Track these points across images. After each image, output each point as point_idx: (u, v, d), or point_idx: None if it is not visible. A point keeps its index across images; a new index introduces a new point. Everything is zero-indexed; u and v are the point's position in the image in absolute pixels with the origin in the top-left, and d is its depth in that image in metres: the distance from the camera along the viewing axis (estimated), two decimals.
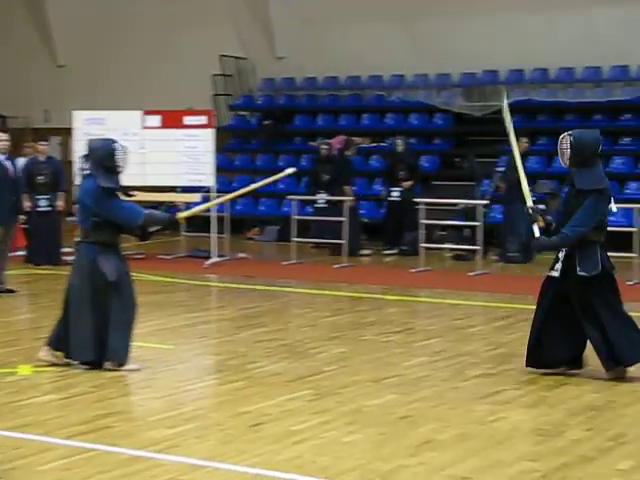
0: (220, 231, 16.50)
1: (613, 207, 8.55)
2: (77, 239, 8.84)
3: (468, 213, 17.49)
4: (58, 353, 8.77)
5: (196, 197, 16.01)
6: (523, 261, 16.43)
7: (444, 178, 20.13)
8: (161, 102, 19.35)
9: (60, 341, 8.73)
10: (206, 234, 16.30)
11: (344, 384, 8.24)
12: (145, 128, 15.96)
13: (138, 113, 16.16)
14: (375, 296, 13.23)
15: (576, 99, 19.71)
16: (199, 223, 16.08)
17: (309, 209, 18.91)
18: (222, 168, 20.25)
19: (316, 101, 23.10)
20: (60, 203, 15.88)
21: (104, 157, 8.56)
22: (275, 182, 11.17)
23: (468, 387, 8.23)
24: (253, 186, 10.46)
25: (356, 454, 6.39)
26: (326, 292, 13.54)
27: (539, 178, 18.86)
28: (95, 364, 8.62)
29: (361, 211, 19.12)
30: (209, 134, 16.01)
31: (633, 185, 18.40)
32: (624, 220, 16.91)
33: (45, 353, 8.82)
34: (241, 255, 16.89)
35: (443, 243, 17.43)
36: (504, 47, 20.36)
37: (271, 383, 8.29)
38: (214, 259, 16.00)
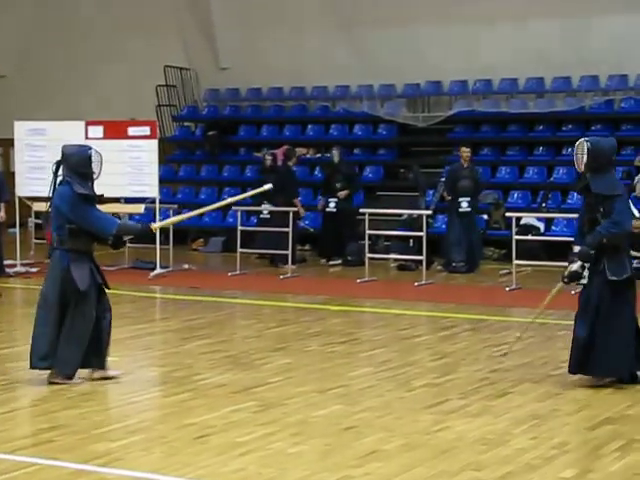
0: (164, 242, 16.41)
1: (636, 213, 8.68)
2: (51, 246, 8.74)
3: (413, 223, 17.58)
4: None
5: (140, 208, 15.89)
6: (467, 271, 16.54)
7: (388, 188, 20.21)
8: (104, 113, 19.23)
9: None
10: (150, 245, 16.19)
11: (289, 395, 8.22)
12: (88, 139, 15.83)
13: (81, 124, 16.03)
14: (320, 307, 13.22)
15: (519, 110, 19.91)
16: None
17: (254, 220, 18.89)
18: (166, 179, 20.18)
19: (261, 112, 23.10)
20: (2, 214, 15.71)
21: (79, 163, 8.49)
22: (253, 197, 11.21)
23: (413, 397, 8.24)
24: (229, 200, 10.50)
25: (302, 465, 6.37)
26: (271, 303, 13.51)
27: (484, 188, 19.03)
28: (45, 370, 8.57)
29: (306, 222, 19.13)
30: (153, 145, 15.91)
31: (575, 195, 18.53)
32: (567, 230, 17.14)
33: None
34: (186, 266, 16.81)
35: (388, 253, 17.47)
36: (448, 58, 20.51)
37: (216, 395, 8.25)
38: (158, 270, 15.90)
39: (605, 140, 8.92)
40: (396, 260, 17.31)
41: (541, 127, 19.98)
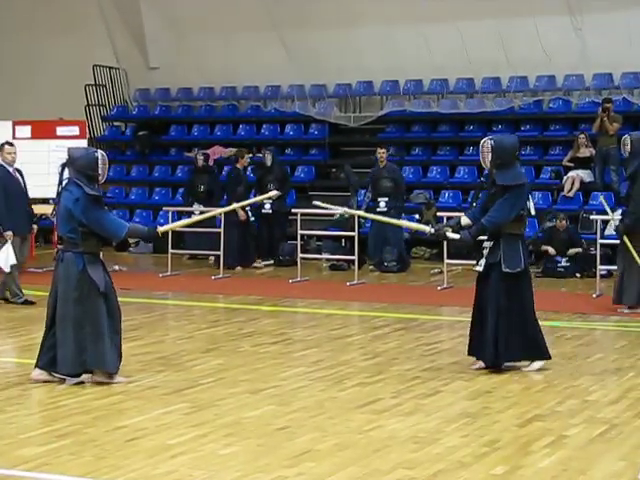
0: None
1: (532, 210, 9.10)
2: (59, 248, 8.64)
3: (344, 223, 17.61)
4: (55, 373, 8.56)
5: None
6: (399, 270, 16.62)
7: (320, 188, 20.22)
8: (32, 112, 18.96)
9: (47, 358, 8.53)
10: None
11: (221, 396, 8.17)
12: (15, 139, 15.60)
13: (8, 123, 15.80)
14: (252, 307, 13.18)
15: (449, 110, 20.05)
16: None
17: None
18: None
19: (192, 112, 22.98)
20: None
21: (86, 166, 8.47)
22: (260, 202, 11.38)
23: (345, 397, 8.24)
24: (235, 205, 10.58)
25: (234, 466, 6.33)
26: (203, 304, 13.44)
27: (414, 188, 19.16)
28: (79, 377, 8.52)
29: None
30: (82, 145, 15.71)
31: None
32: None
33: (38, 373, 8.60)
34: (116, 267, 16.61)
35: (320, 253, 17.48)
36: (379, 58, 20.59)
37: (147, 397, 8.17)
38: None
39: (508, 137, 9.53)
40: (328, 260, 17.34)
41: (472, 127, 20.14)
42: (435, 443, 6.86)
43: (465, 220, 9.18)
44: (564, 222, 16.44)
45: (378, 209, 16.78)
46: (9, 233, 12.68)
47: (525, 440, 6.98)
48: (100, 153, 8.62)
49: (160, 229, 9.04)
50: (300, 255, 15.99)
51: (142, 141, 22.27)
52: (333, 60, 20.91)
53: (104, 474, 6.17)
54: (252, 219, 17.10)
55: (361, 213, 13.60)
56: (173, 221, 17.13)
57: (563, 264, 16.16)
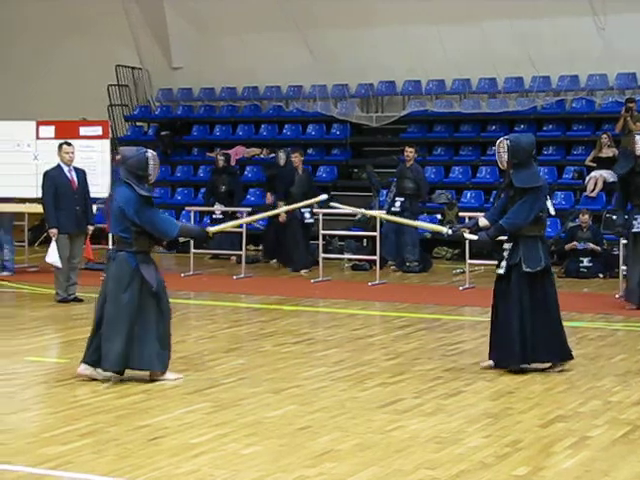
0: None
1: (551, 209, 9.11)
2: (112, 248, 8.68)
3: (366, 223, 17.60)
4: (99, 369, 8.63)
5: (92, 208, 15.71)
6: (421, 271, 16.59)
7: (342, 189, 20.21)
8: (56, 112, 19.03)
9: (96, 355, 8.61)
10: (103, 246, 16.07)
11: (243, 396, 8.19)
12: (39, 139, 15.69)
13: (32, 124, 15.86)
14: (274, 307, 13.19)
15: (472, 110, 20.01)
16: (96, 235, 15.79)
17: (207, 221, 18.81)
18: (118, 179, 19.99)
19: (214, 112, 23.01)
20: None
21: (137, 166, 8.57)
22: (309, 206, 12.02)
23: (367, 397, 8.24)
24: (285, 208, 10.68)
25: (256, 466, 6.34)
26: (225, 303, 13.46)
27: (436, 188, 19.15)
28: (122, 374, 8.60)
29: (259, 222, 19.05)
30: (105, 145, 15.78)
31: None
32: None
33: (83, 368, 8.67)
34: None
35: (342, 253, 17.48)
36: (401, 58, 20.56)
37: (169, 396, 8.19)
38: None
39: (524, 136, 9.37)
40: (350, 260, 17.33)
41: (494, 127, 20.09)
42: (457, 443, 6.85)
43: (483, 221, 9.17)
44: (587, 216, 16.39)
45: (393, 208, 16.70)
46: (53, 231, 13.00)
47: (547, 441, 6.95)
48: (150, 153, 8.70)
49: (210, 230, 9.10)
50: (322, 255, 15.99)
51: (164, 141, 22.33)
52: (355, 60, 20.91)
53: (126, 473, 6.19)
54: (310, 220, 16.92)
55: (379, 214, 13.49)
56: (195, 221, 17.22)
57: (586, 264, 16.10)
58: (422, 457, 6.55)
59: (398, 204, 16.75)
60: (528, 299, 8.88)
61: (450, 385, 8.61)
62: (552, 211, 9.34)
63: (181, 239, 8.95)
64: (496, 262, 9.24)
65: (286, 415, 7.62)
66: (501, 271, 9.00)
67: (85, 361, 8.70)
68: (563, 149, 19.55)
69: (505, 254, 9.02)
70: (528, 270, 8.83)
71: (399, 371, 9.17)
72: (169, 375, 8.73)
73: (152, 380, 8.65)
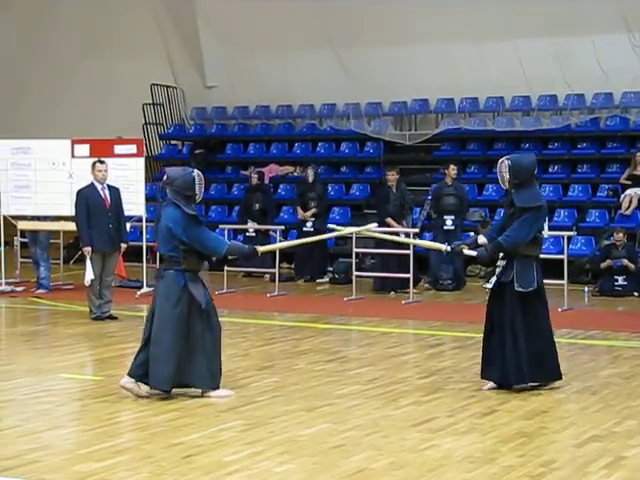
0: (152, 261, 16.36)
1: (545, 232, 9.12)
2: (161, 267, 8.83)
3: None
4: (143, 386, 8.71)
5: (126, 226, 15.82)
6: (454, 288, 16.54)
7: (375, 206, 20.15)
8: (91, 131, 19.21)
9: (141, 370, 8.70)
10: (137, 264, 16.15)
11: (277, 414, 8.19)
12: (74, 157, 15.81)
13: (67, 142, 15.99)
14: (307, 325, 13.20)
15: (505, 128, 19.98)
16: (130, 252, 15.89)
17: (240, 238, 18.86)
18: (153, 197, 20.14)
19: (248, 130, 23.12)
20: None
21: (184, 186, 8.67)
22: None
23: (400, 415, 8.22)
24: (342, 232, 10.76)
25: None
26: (259, 321, 13.48)
27: (470, 206, 19.10)
28: (169, 393, 8.69)
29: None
30: (139, 163, 15.88)
31: (562, 213, 18.64)
32: (554, 248, 17.19)
33: (126, 380, 8.75)
34: None
35: (375, 271, 17.46)
36: (435, 76, 20.58)
37: (203, 414, 8.21)
38: (145, 289, 15.85)
39: (525, 156, 9.59)
40: (375, 279, 17.28)
41: (527, 145, 20.03)
42: (491, 463, 6.82)
43: (482, 239, 9.21)
44: (621, 234, 16.31)
45: (445, 227, 16.69)
46: (87, 249, 13.10)
47: (582, 461, 6.90)
48: (196, 173, 8.80)
49: (260, 249, 9.18)
50: (355, 273, 15.99)
51: (198, 159, 22.43)
52: (388, 78, 20.94)
53: None
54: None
55: (371, 233, 13.00)
56: (229, 238, 17.25)
57: (620, 283, 16.00)
58: (456, 476, 6.53)
59: (449, 222, 16.71)
60: (520, 319, 8.91)
61: (484, 404, 8.58)
62: (545, 233, 9.38)
63: (230, 257, 9.03)
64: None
65: (319, 433, 7.61)
66: (489, 286, 9.10)
67: (130, 374, 8.76)
68: (597, 167, 19.46)
69: (497, 270, 9.10)
70: (520, 290, 8.87)
71: (432, 389, 9.14)
72: (221, 392, 8.78)
73: (203, 396, 8.70)
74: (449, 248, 9.42)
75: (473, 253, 9.18)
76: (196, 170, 8.89)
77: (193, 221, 8.63)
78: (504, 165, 9.01)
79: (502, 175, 9.03)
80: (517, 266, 8.89)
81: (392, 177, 16.66)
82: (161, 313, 8.63)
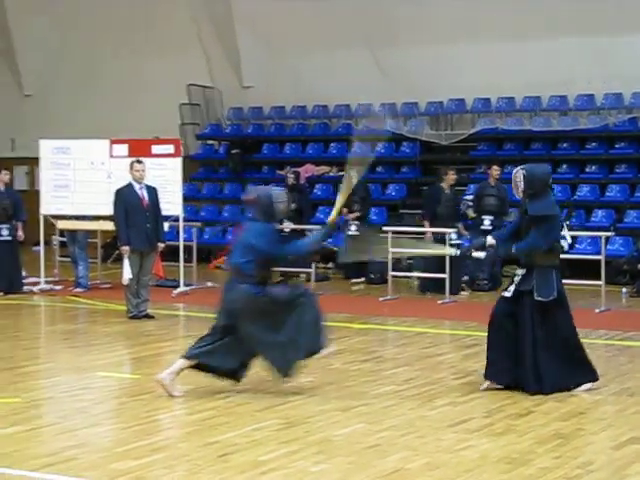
0: (188, 260, 16.44)
1: (565, 245, 9.14)
2: (231, 278, 9.00)
3: (436, 241, 17.51)
4: (177, 385, 8.83)
5: (164, 226, 15.93)
6: (490, 289, 16.48)
7: (411, 206, 20.18)
8: (128, 131, 19.32)
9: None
10: (174, 263, 16.23)
11: (312, 413, 8.21)
12: (112, 157, 15.92)
13: (105, 142, 16.10)
14: (343, 325, 13.20)
15: (542, 128, 19.88)
16: (167, 252, 15.98)
17: None
18: (189, 197, 20.25)
19: (284, 130, 23.15)
20: (20, 233, 15.93)
21: (267, 204, 8.95)
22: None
23: (436, 415, 8.22)
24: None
25: None
26: None
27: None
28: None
29: (328, 240, 19.12)
30: (177, 163, 15.96)
31: (600, 213, 18.53)
32: (591, 248, 17.09)
33: (164, 377, 8.83)
34: (209, 284, 16.81)
35: (411, 271, 17.43)
36: (471, 76, 20.52)
37: (239, 413, 8.25)
38: (182, 288, 15.93)
39: (539, 167, 9.56)
40: (419, 278, 17.26)
41: (565, 145, 19.93)
42: (527, 464, 6.80)
43: (490, 240, 9.26)
44: None
45: (482, 227, 16.63)
46: (125, 248, 13.18)
47: (620, 463, 6.87)
48: (279, 191, 9.16)
49: (330, 219, 9.43)
50: (391, 273, 15.98)
51: (235, 159, 22.51)
52: (425, 78, 20.90)
53: None
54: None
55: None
56: None
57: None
58: (492, 477, 6.51)
59: (487, 222, 16.66)
60: (540, 329, 8.90)
61: (520, 405, 8.55)
62: (566, 246, 9.36)
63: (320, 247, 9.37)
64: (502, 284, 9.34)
65: (355, 433, 7.62)
66: (508, 294, 9.05)
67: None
68: (635, 167, 19.32)
69: (516, 279, 9.10)
70: (540, 299, 8.86)
71: (468, 390, 9.12)
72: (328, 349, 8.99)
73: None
74: (458, 252, 9.50)
75: (481, 254, 9.26)
76: (278, 189, 9.27)
77: (277, 234, 9.04)
78: (519, 175, 9.05)
79: (517, 185, 9.08)
80: (537, 276, 8.90)
81: (452, 177, 16.55)
82: (245, 327, 8.77)
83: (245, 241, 8.90)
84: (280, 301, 8.83)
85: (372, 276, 17.55)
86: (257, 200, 9.02)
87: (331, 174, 21.37)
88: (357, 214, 17.87)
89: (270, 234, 8.89)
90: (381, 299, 15.45)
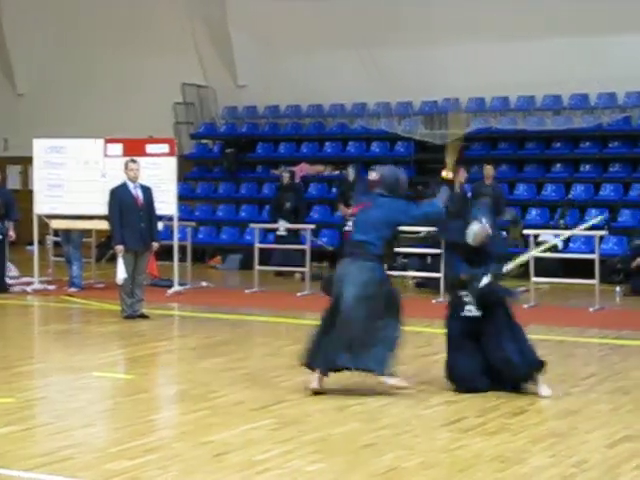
0: (182, 259, 16.43)
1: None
2: (355, 252, 9.05)
3: (431, 240, 17.52)
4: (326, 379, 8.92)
5: (159, 225, 15.92)
6: None
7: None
8: (123, 130, 19.30)
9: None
10: (168, 262, 16.22)
11: (308, 413, 8.21)
12: (107, 156, 15.89)
13: (99, 141, 16.08)
14: None
15: (536, 127, 19.90)
16: (161, 251, 15.96)
17: (271, 237, 18.90)
18: (184, 197, 20.22)
19: (278, 129, 23.14)
20: (11, 233, 15.93)
21: (393, 181, 9.19)
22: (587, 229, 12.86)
23: (431, 415, 8.22)
24: (567, 234, 11.02)
25: None
26: (288, 320, 13.49)
27: None
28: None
29: (323, 238, 19.17)
30: (171, 162, 15.94)
31: (593, 212, 18.55)
32: (585, 247, 17.11)
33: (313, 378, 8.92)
34: (203, 284, 16.83)
35: (406, 270, 17.44)
36: (465, 75, 20.52)
37: (233, 412, 8.24)
38: (176, 288, 15.92)
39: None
40: (414, 277, 17.28)
41: (558, 144, 19.96)
42: (522, 463, 6.81)
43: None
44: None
45: None
46: (119, 247, 13.17)
47: (614, 462, 6.88)
48: (401, 171, 9.49)
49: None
50: (385, 272, 15.92)
51: (229, 158, 22.50)
52: (419, 77, 20.90)
53: None
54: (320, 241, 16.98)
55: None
56: (260, 238, 17.25)
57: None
58: (486, 476, 6.52)
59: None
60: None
61: (514, 404, 8.55)
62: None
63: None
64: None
65: (351, 432, 7.62)
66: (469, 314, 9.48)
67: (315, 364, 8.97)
68: (629, 166, 19.35)
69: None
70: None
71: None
72: (394, 380, 8.95)
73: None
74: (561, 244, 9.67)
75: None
76: (399, 169, 9.60)
77: (407, 202, 9.17)
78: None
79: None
80: None
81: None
82: (358, 301, 8.89)
83: (380, 215, 8.99)
84: (393, 296, 9.10)
85: None
86: (382, 179, 9.21)
87: (325, 173, 21.38)
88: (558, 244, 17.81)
89: (402, 204, 9.08)
90: None
